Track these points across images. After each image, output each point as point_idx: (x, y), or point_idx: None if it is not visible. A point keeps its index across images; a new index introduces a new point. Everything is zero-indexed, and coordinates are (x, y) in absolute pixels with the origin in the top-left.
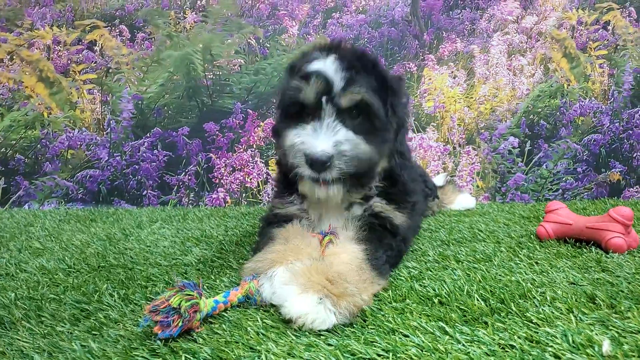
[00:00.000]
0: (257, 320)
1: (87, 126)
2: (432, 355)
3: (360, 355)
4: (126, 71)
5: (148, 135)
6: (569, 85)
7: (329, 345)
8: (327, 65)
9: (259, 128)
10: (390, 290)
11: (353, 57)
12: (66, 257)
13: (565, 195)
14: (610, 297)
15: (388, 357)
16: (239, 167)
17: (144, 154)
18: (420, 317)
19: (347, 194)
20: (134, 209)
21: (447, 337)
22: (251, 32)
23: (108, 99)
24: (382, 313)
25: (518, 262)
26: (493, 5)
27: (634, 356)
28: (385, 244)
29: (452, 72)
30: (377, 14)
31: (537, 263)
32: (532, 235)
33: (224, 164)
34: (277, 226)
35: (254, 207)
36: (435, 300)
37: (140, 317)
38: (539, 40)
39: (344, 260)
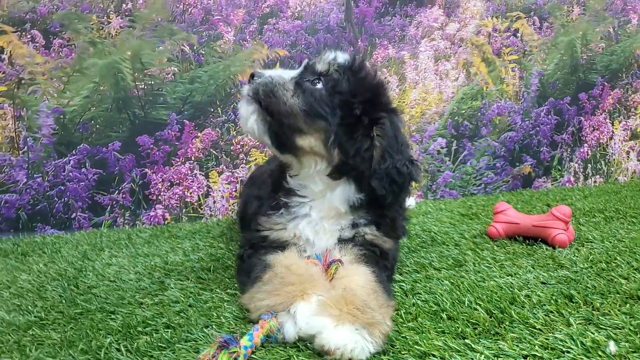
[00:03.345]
0: (294, 358)
1: None
2: None
3: None
4: (42, 82)
5: (74, 152)
6: (487, 87)
7: None
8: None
9: (196, 139)
10: (400, 310)
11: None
12: (28, 306)
13: (487, 189)
14: (581, 294)
15: None
16: (177, 182)
17: (70, 174)
18: (441, 335)
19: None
20: (64, 235)
21: (477, 354)
22: (184, 39)
23: (22, 113)
24: (403, 335)
25: (487, 265)
26: (420, 13)
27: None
28: (382, 266)
29: (386, 77)
30: (313, 19)
31: (502, 265)
32: (483, 235)
33: (160, 179)
34: (266, 252)
35: (197, 222)
36: (444, 316)
37: None
38: (461, 46)
39: (359, 283)
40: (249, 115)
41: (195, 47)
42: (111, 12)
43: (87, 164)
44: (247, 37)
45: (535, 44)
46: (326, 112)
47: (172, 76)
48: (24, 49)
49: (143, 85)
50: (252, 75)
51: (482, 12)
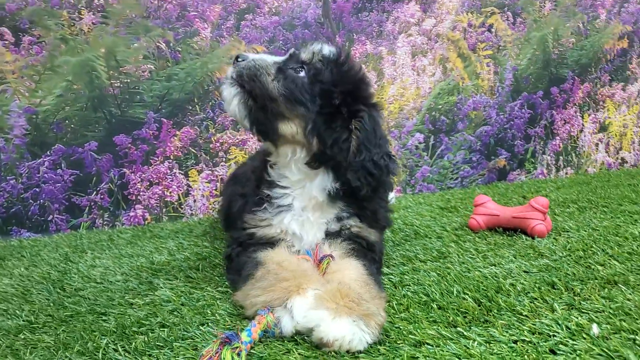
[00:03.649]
0: (293, 352)
1: None
2: None
3: None
4: (13, 81)
5: (48, 153)
6: (463, 82)
7: None
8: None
9: (175, 138)
10: (392, 302)
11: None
12: (16, 311)
13: (463, 183)
14: (562, 281)
15: None
16: (157, 181)
17: (46, 175)
18: (433, 325)
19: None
20: (42, 238)
21: (470, 341)
22: (160, 35)
23: None
24: (397, 326)
25: (471, 256)
26: (397, 8)
27: (623, 332)
28: (370, 259)
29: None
30: (290, 15)
31: (485, 256)
32: (464, 227)
33: (139, 179)
34: (255, 250)
35: (179, 221)
36: (434, 306)
37: None
38: (437, 42)
39: (352, 277)
40: (231, 99)
41: (171, 44)
42: (82, 8)
43: (62, 165)
44: (224, 34)
45: (509, 39)
46: (306, 99)
47: (149, 74)
48: None
49: (119, 84)
50: (237, 58)
51: (458, 7)
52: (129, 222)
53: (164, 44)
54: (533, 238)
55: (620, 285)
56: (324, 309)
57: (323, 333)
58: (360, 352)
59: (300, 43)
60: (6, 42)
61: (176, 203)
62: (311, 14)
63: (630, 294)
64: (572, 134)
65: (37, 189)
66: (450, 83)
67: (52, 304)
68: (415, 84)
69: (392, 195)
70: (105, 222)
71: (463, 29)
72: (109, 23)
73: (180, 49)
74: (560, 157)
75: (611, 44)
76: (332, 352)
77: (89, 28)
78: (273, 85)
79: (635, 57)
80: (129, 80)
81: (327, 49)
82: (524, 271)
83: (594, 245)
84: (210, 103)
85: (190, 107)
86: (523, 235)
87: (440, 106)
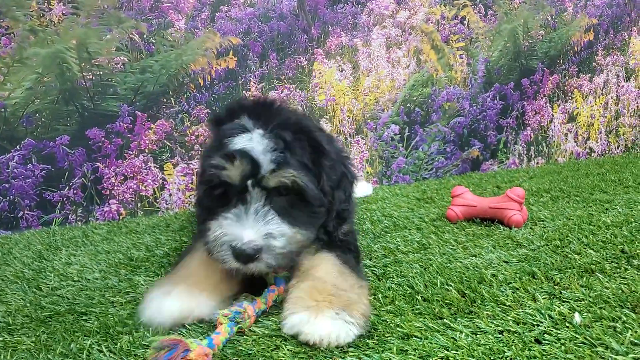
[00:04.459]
0: (282, 348)
1: None
2: (462, 352)
3: None
4: None
5: (18, 147)
6: (437, 74)
7: (370, 358)
8: (254, 143)
9: (150, 131)
10: (377, 295)
11: (283, 129)
12: None
13: (438, 173)
14: (542, 270)
15: None
16: (131, 175)
17: (15, 170)
18: (419, 317)
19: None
20: (12, 235)
21: (457, 332)
22: (133, 27)
23: None
24: (383, 319)
25: (451, 247)
26: (371, 0)
27: (603, 320)
28: (345, 248)
29: (339, 65)
30: (265, 7)
31: (465, 247)
32: (442, 218)
33: (114, 173)
34: None
35: (154, 216)
36: (419, 298)
37: None
38: (411, 34)
39: (325, 269)
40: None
41: (145, 36)
42: None
43: (33, 160)
44: (199, 25)
45: (481, 31)
46: (320, 211)
47: (122, 66)
48: None
49: (91, 76)
50: (248, 257)
51: None
52: (103, 217)
53: (137, 36)
54: (510, 228)
55: (597, 273)
56: (303, 309)
57: (309, 336)
58: (349, 345)
59: (276, 36)
60: None
61: (151, 197)
62: (286, 5)
63: (607, 283)
64: (542, 124)
65: (7, 185)
66: (424, 75)
67: (28, 304)
68: (390, 76)
69: (370, 187)
70: (78, 218)
71: (436, 21)
72: (80, 14)
73: (154, 41)
74: (532, 147)
75: (578, 37)
76: (322, 348)
77: (59, 19)
78: (301, 237)
79: (601, 49)
80: (101, 73)
81: (291, 171)
82: (504, 261)
83: (569, 235)
84: (185, 95)
85: (165, 100)
86: (500, 226)
87: (414, 98)
